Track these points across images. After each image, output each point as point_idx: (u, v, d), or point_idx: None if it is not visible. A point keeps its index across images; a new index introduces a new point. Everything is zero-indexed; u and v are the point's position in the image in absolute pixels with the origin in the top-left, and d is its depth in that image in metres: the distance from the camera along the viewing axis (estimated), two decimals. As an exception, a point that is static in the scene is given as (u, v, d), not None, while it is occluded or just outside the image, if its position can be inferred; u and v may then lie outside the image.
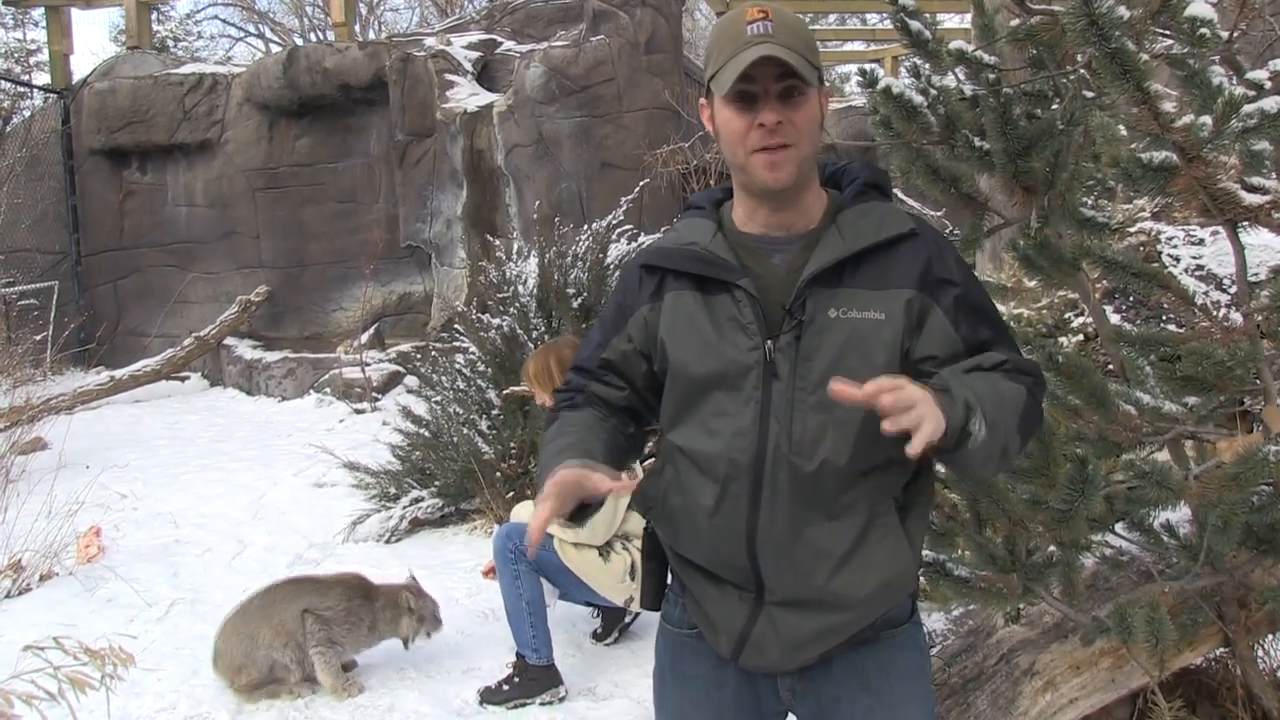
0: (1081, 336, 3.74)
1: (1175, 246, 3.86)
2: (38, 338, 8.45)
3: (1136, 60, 1.56)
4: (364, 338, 8.48)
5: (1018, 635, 2.18)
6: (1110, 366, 2.31)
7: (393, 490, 4.96)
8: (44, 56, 12.35)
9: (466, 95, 8.84)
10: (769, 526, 1.32)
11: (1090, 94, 1.86)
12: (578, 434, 1.39)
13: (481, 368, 4.99)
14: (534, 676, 3.06)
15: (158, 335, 10.00)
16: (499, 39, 9.53)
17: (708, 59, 1.36)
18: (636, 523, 3.27)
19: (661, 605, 1.54)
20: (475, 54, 9.25)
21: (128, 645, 2.01)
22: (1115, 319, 3.41)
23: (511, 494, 4.56)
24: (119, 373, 8.85)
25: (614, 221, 5.56)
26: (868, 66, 2.04)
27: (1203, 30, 1.56)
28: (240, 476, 6.09)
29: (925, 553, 1.90)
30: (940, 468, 1.61)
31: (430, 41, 9.29)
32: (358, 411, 7.84)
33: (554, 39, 9.12)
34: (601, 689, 3.17)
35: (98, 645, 1.92)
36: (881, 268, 1.34)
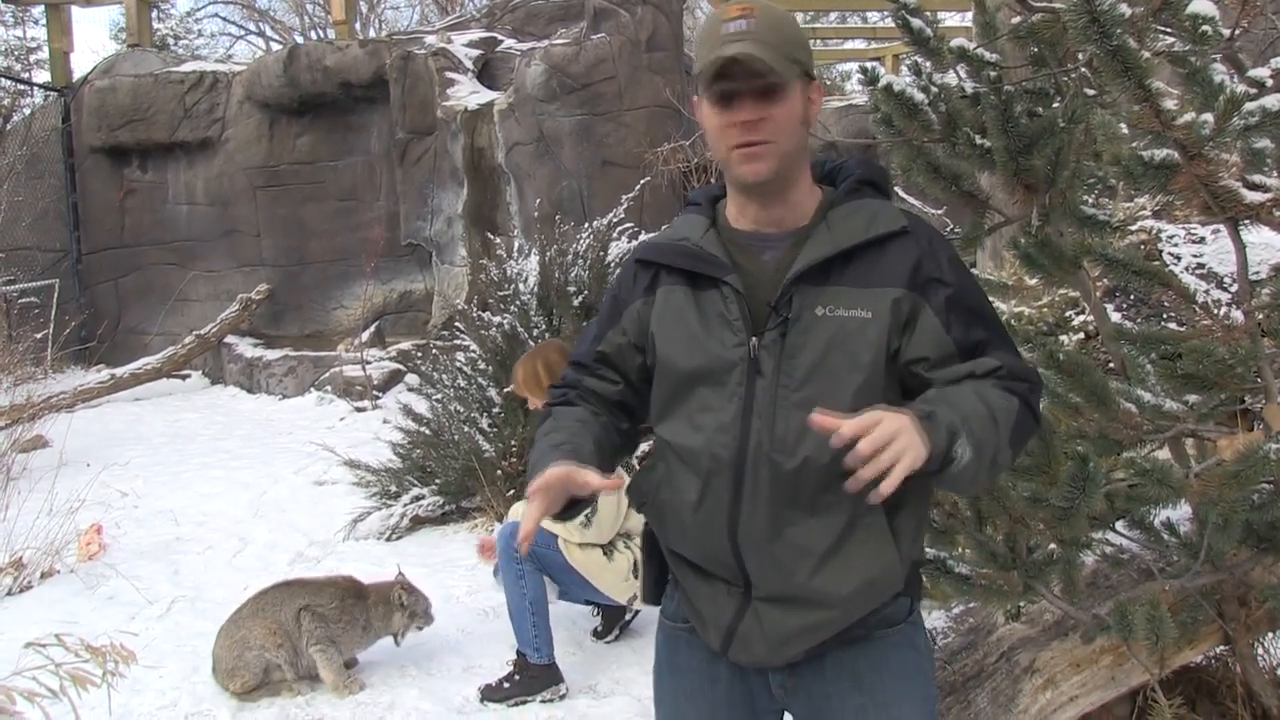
0: (1082, 334, 3.74)
1: (1176, 245, 3.86)
2: (38, 336, 8.44)
3: (1138, 58, 1.56)
4: (365, 336, 8.48)
5: (1018, 633, 2.18)
6: (1111, 364, 2.31)
7: (393, 488, 4.96)
8: (44, 54, 12.33)
9: (467, 93, 8.84)
10: (750, 523, 1.33)
11: (1091, 91, 1.86)
12: (567, 431, 1.40)
13: (482, 366, 4.99)
14: (535, 674, 3.06)
15: (158, 333, 10.01)
16: (500, 37, 9.53)
17: (695, 57, 1.37)
18: (638, 521, 3.27)
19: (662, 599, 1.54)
20: (476, 52, 9.25)
21: (129, 642, 2.01)
22: (1116, 317, 3.41)
23: (512, 492, 4.56)
24: (120, 371, 8.85)
25: (615, 219, 5.56)
26: (869, 64, 2.03)
27: (1204, 28, 1.56)
28: (241, 474, 6.09)
29: (926, 550, 1.90)
30: None
31: (431, 39, 9.29)
32: (358, 409, 7.84)
33: (555, 37, 9.12)
34: (602, 687, 3.18)
35: (99, 642, 1.93)
36: (870, 266, 1.33)
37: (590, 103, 8.67)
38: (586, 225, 5.66)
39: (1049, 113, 1.93)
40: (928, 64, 2.02)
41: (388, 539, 4.69)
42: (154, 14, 12.39)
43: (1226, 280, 3.56)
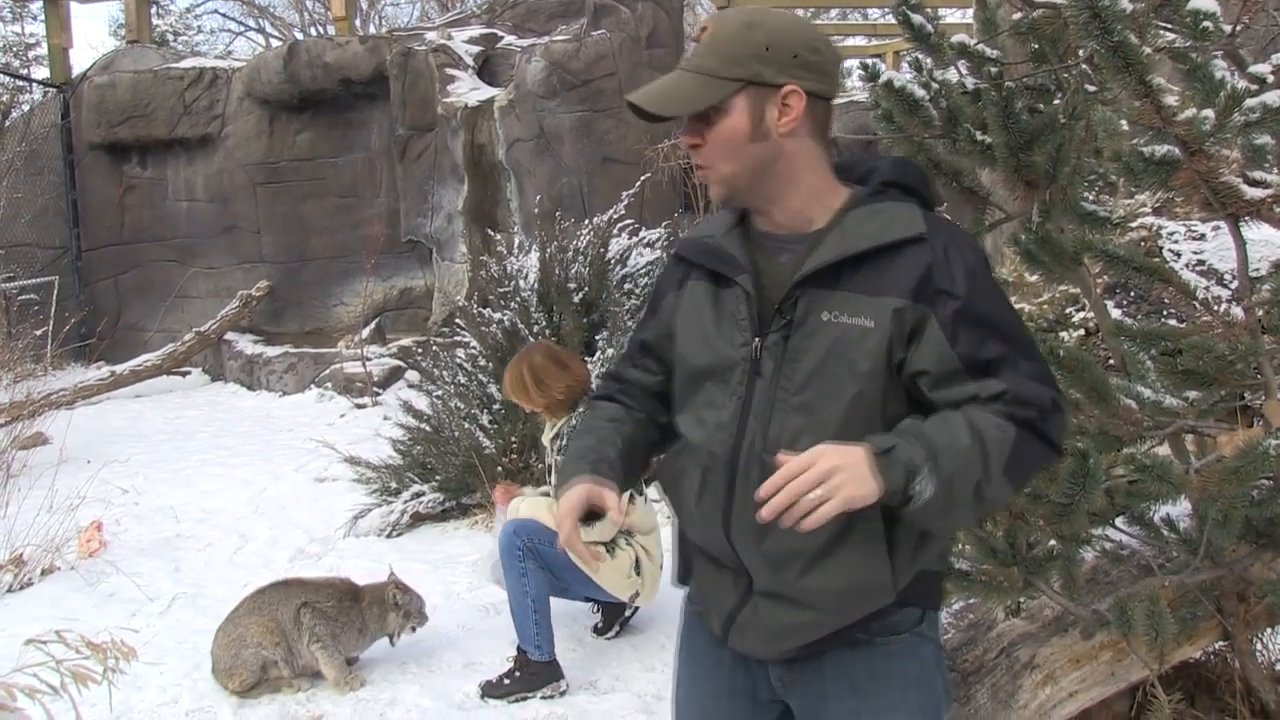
0: (1083, 331, 3.75)
1: (1176, 241, 3.87)
2: (38, 333, 8.43)
3: (1139, 54, 1.56)
4: (365, 332, 8.48)
5: (1018, 629, 2.18)
6: (1111, 361, 2.31)
7: (394, 485, 4.96)
8: (43, 50, 12.29)
9: (467, 90, 8.82)
10: (740, 520, 1.33)
11: (1092, 88, 1.86)
12: (597, 435, 1.44)
13: (482, 362, 4.99)
14: (535, 671, 3.07)
15: (158, 330, 10.00)
16: (500, 33, 9.52)
17: None
18: (639, 518, 3.28)
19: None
20: (476, 48, 9.24)
21: (130, 639, 2.01)
22: (1116, 313, 3.41)
23: (512, 489, 4.56)
24: (120, 368, 8.85)
25: (615, 216, 5.57)
26: (869, 61, 2.04)
27: (1205, 24, 1.56)
28: (241, 471, 6.09)
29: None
30: None
31: (431, 36, 9.27)
32: (359, 406, 7.84)
33: (555, 33, 9.11)
34: (603, 683, 3.18)
35: (100, 639, 1.93)
36: (879, 272, 1.28)
37: (591, 99, 8.66)
38: (587, 222, 5.67)
39: (1050, 109, 1.93)
40: (928, 60, 2.02)
41: (388, 535, 4.69)
42: (153, 10, 12.38)
43: (1227, 276, 3.56)
